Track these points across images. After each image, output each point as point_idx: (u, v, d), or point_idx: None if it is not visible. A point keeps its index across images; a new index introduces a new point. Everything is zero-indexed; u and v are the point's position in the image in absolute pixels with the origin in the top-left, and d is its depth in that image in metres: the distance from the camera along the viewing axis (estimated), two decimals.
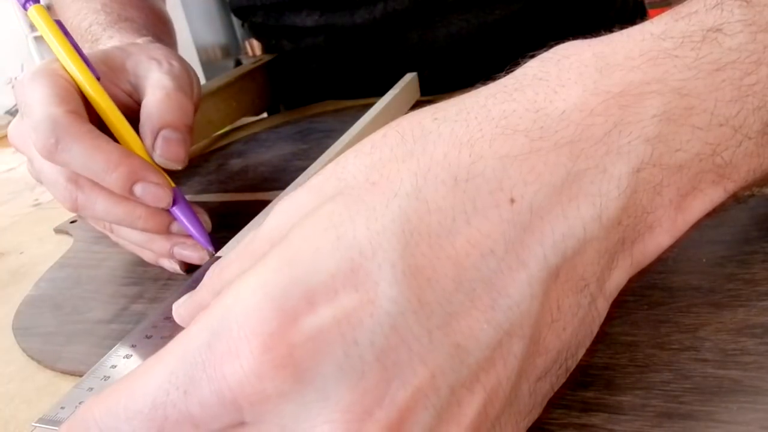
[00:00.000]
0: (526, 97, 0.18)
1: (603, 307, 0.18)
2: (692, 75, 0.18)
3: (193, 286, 0.23)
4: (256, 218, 0.32)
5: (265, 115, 0.66)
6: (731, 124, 0.18)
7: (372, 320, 0.14)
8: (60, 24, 0.33)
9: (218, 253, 0.31)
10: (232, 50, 3.62)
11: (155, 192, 0.30)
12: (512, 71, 0.19)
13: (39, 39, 3.50)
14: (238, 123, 0.60)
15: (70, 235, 0.42)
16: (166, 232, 0.32)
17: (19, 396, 0.27)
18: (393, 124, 0.19)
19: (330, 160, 0.26)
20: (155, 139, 0.32)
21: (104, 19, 0.44)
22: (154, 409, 0.15)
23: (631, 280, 0.18)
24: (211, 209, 0.34)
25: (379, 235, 0.15)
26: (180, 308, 0.23)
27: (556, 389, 0.18)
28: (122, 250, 0.36)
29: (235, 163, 0.49)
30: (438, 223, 0.15)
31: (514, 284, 0.15)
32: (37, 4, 0.33)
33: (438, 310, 0.15)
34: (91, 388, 0.22)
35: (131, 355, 0.24)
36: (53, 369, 0.28)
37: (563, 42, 0.20)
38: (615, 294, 0.18)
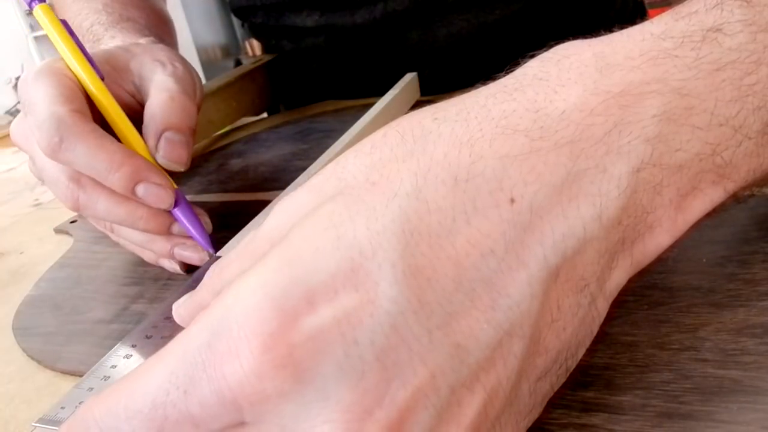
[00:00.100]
0: (526, 97, 0.18)
1: (603, 307, 0.18)
2: (692, 75, 0.18)
3: (193, 286, 0.23)
4: (256, 218, 0.32)
5: (265, 115, 0.66)
6: (731, 124, 0.18)
7: (372, 320, 0.14)
8: (65, 23, 0.33)
9: (218, 253, 0.31)
10: (232, 50, 3.62)
11: (157, 193, 0.30)
12: (512, 71, 0.19)
13: (39, 39, 3.50)
14: (238, 123, 0.60)
15: (70, 235, 0.42)
16: (167, 233, 0.32)
17: (19, 396, 0.27)
18: (393, 124, 0.19)
19: (330, 160, 0.26)
20: (158, 140, 0.32)
21: (106, 19, 0.44)
22: (154, 409, 0.15)
23: (631, 280, 0.18)
24: (211, 209, 0.34)
25: (379, 235, 0.15)
26: (180, 308, 0.23)
27: (556, 389, 0.18)
28: (122, 250, 0.36)
29: (235, 163, 0.49)
30: (438, 223, 0.15)
31: (514, 284, 0.15)
32: (42, 3, 0.33)
33: (438, 310, 0.15)
34: (91, 388, 0.22)
35: (131, 355, 0.24)
36: (53, 369, 0.28)
37: (563, 42, 0.20)
38: (615, 294, 0.18)
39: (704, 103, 0.18)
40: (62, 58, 0.33)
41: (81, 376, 0.24)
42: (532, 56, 0.20)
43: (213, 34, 3.54)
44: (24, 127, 0.33)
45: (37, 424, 0.22)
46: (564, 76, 0.18)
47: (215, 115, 0.56)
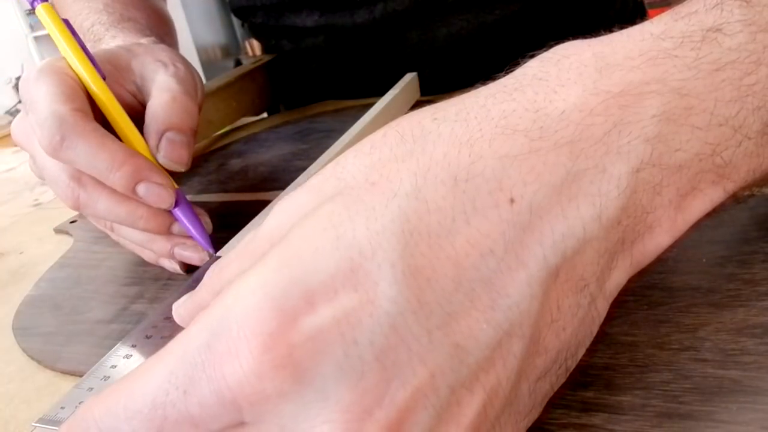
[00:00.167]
0: (526, 97, 0.18)
1: (603, 307, 0.18)
2: (692, 75, 0.18)
3: (193, 286, 0.23)
4: (256, 218, 0.32)
5: (265, 115, 0.66)
6: (731, 124, 0.18)
7: (371, 320, 0.14)
8: (67, 23, 0.33)
9: (218, 253, 0.31)
10: (232, 50, 3.62)
11: (158, 192, 0.30)
12: (512, 71, 0.19)
13: (39, 39, 3.50)
14: (238, 123, 0.60)
15: (70, 235, 0.42)
16: (167, 232, 0.32)
17: (19, 396, 0.27)
18: (393, 124, 0.19)
19: (330, 160, 0.26)
20: (160, 140, 0.32)
21: (107, 19, 0.44)
22: (154, 409, 0.15)
23: (631, 280, 0.18)
24: (211, 209, 0.34)
25: (379, 235, 0.15)
26: (180, 308, 0.23)
27: (556, 389, 0.18)
28: (122, 250, 0.36)
29: (235, 163, 0.49)
30: (437, 223, 0.15)
31: (514, 284, 0.15)
32: (44, 2, 0.33)
33: (437, 310, 0.15)
34: (91, 388, 0.22)
35: (131, 355, 0.24)
36: (53, 369, 0.28)
37: (563, 42, 0.20)
38: (615, 294, 0.18)
39: (704, 103, 0.18)
40: (64, 57, 0.33)
41: (81, 376, 0.24)
42: (532, 56, 0.20)
43: (213, 34, 3.54)
44: (25, 126, 0.33)
45: (37, 424, 0.22)
46: (564, 76, 0.18)
47: (215, 115, 0.56)
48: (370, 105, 0.45)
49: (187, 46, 3.16)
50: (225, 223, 0.34)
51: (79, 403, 0.22)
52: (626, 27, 0.19)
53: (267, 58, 0.64)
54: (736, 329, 0.21)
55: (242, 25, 0.70)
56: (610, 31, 0.19)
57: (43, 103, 0.30)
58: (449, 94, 0.22)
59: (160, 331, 0.25)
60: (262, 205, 0.34)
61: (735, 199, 0.19)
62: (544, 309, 0.16)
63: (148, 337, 0.25)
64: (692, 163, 0.18)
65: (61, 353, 0.29)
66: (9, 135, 0.35)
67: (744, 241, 0.25)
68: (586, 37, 0.19)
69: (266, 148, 0.51)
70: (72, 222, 0.44)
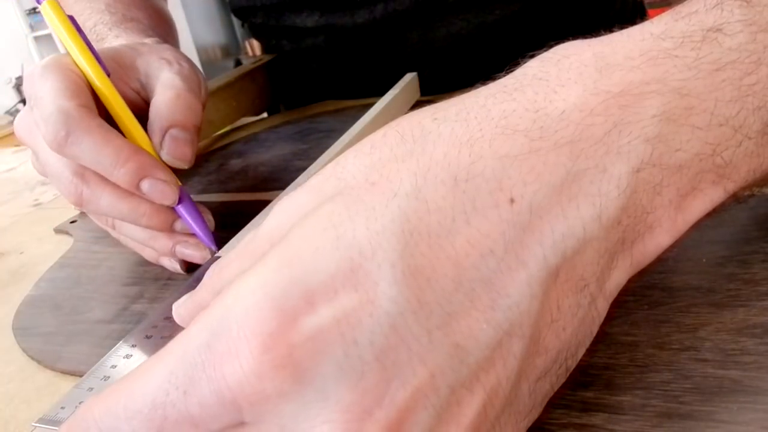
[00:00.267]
0: (526, 97, 0.18)
1: (603, 307, 0.18)
2: (692, 75, 0.18)
3: (193, 285, 0.23)
4: (256, 218, 0.32)
5: (265, 115, 0.66)
6: (731, 124, 0.18)
7: (371, 320, 0.14)
8: (73, 20, 0.33)
9: (218, 253, 0.31)
10: (232, 50, 3.62)
11: (162, 189, 0.30)
12: (512, 71, 0.19)
13: (39, 39, 3.50)
14: (238, 123, 0.60)
15: (70, 235, 0.42)
16: (170, 230, 0.32)
17: (19, 396, 0.27)
18: (393, 124, 0.19)
19: (330, 160, 0.26)
20: (163, 137, 0.32)
21: (109, 19, 0.44)
22: (154, 409, 0.15)
23: (631, 280, 0.18)
24: (211, 209, 0.34)
25: (379, 235, 0.15)
26: (180, 308, 0.23)
27: (556, 389, 0.18)
28: (123, 250, 0.37)
29: (235, 163, 0.49)
30: (437, 223, 0.15)
31: (514, 284, 0.15)
32: None
33: (437, 310, 0.15)
34: (91, 388, 0.22)
35: (131, 355, 0.24)
36: (53, 369, 0.28)
37: (563, 42, 0.20)
38: (615, 294, 0.18)
39: (704, 103, 0.18)
40: (69, 54, 0.33)
41: (81, 376, 0.24)
42: (532, 56, 0.20)
43: (213, 34, 3.54)
44: (29, 121, 0.33)
45: (37, 424, 0.22)
46: (564, 76, 0.18)
47: (215, 115, 0.56)
48: (370, 105, 0.45)
49: (187, 46, 3.16)
50: (225, 223, 0.34)
51: (79, 403, 0.22)
52: (626, 27, 0.19)
53: (267, 58, 0.64)
54: (736, 329, 0.21)
55: (242, 25, 0.70)
56: (610, 31, 0.19)
57: (48, 98, 0.30)
58: (449, 94, 0.22)
59: (160, 331, 0.25)
60: (262, 205, 0.34)
61: (735, 199, 0.19)
62: (544, 309, 0.16)
63: (148, 337, 0.25)
64: (692, 163, 0.18)
65: (61, 353, 0.29)
66: (9, 135, 0.35)
67: (744, 241, 0.25)
68: (586, 37, 0.19)
69: (266, 148, 0.51)
70: (72, 222, 0.44)
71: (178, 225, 0.32)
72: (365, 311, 0.14)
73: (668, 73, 0.18)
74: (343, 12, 0.58)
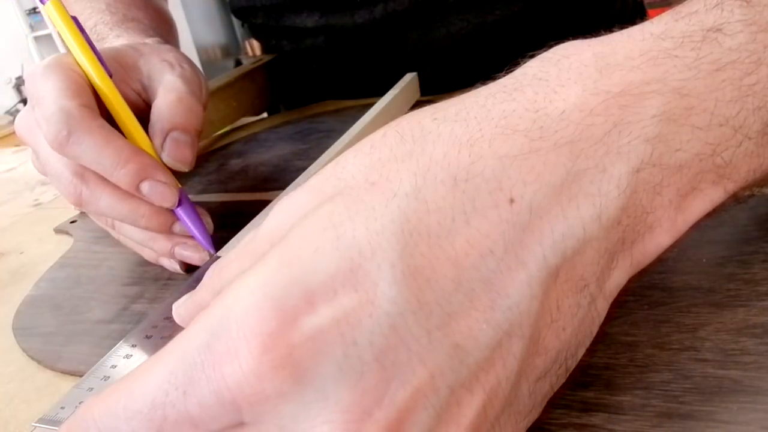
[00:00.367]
0: (526, 97, 0.18)
1: (603, 307, 0.18)
2: (692, 75, 0.18)
3: (193, 286, 0.23)
4: (256, 218, 0.32)
5: (265, 115, 0.66)
6: (731, 124, 0.18)
7: (371, 320, 0.14)
8: (75, 20, 0.33)
9: (218, 253, 0.31)
10: (232, 50, 3.62)
11: (162, 191, 0.30)
12: (512, 71, 0.19)
13: (39, 39, 3.50)
14: (238, 123, 0.60)
15: (70, 235, 0.42)
16: (169, 231, 0.32)
17: (19, 396, 0.27)
18: (393, 124, 0.19)
19: (330, 160, 0.26)
20: (164, 139, 0.32)
21: (110, 19, 0.44)
22: (154, 410, 0.15)
23: (631, 280, 0.18)
24: (211, 209, 0.34)
25: (379, 236, 0.15)
26: (180, 308, 0.23)
27: (555, 389, 0.18)
28: (123, 250, 0.37)
29: (235, 163, 0.49)
30: (437, 224, 0.15)
31: (514, 284, 0.15)
32: None
33: (437, 311, 0.15)
34: (91, 388, 0.22)
35: (131, 355, 0.24)
36: (53, 369, 0.28)
37: (563, 42, 0.20)
38: (615, 294, 0.18)
39: (704, 103, 0.18)
40: (71, 54, 0.33)
41: (81, 376, 0.24)
42: (532, 56, 0.20)
43: (213, 34, 3.54)
44: (29, 120, 0.33)
45: (37, 424, 0.22)
46: (564, 76, 0.18)
47: (215, 115, 0.56)
48: (370, 105, 0.45)
49: (187, 46, 3.16)
50: (225, 223, 0.34)
51: (79, 403, 0.22)
52: (626, 27, 0.19)
53: (267, 58, 0.64)
54: (736, 329, 0.21)
55: (242, 26, 0.70)
56: (610, 31, 0.19)
57: (50, 98, 0.30)
58: (449, 94, 0.22)
59: (160, 331, 0.25)
60: (262, 205, 0.34)
61: (735, 199, 0.19)
62: (544, 309, 0.16)
63: (148, 337, 0.25)
64: (692, 163, 0.18)
65: (61, 353, 0.29)
66: (9, 135, 0.35)
67: (744, 241, 0.25)
68: (586, 37, 0.19)
69: (266, 148, 0.51)
70: (72, 222, 0.44)
71: (177, 227, 0.32)
72: (365, 311, 0.14)
73: (668, 73, 0.18)
74: (343, 12, 0.58)
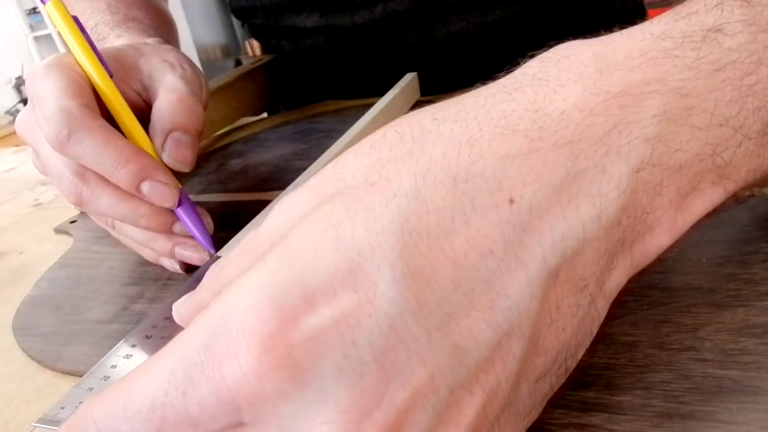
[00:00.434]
0: (526, 97, 0.18)
1: (602, 307, 0.18)
2: (692, 75, 0.18)
3: (193, 286, 0.23)
4: (256, 218, 0.32)
5: (265, 115, 0.66)
6: (731, 124, 0.18)
7: (371, 321, 0.14)
8: (76, 20, 0.33)
9: (218, 253, 0.31)
10: (232, 50, 3.62)
11: (162, 191, 0.30)
12: (512, 71, 0.19)
13: (39, 39, 3.50)
14: (238, 123, 0.60)
15: (70, 235, 0.42)
16: (169, 231, 0.32)
17: (19, 396, 0.27)
18: (392, 124, 0.19)
19: (330, 160, 0.26)
20: (165, 139, 0.32)
21: (110, 19, 0.44)
22: (153, 410, 0.15)
23: (631, 280, 0.18)
24: (211, 209, 0.34)
25: (378, 236, 0.15)
26: (180, 308, 0.23)
27: (555, 389, 0.18)
28: (123, 250, 0.37)
29: (235, 163, 0.49)
30: (437, 224, 0.15)
31: (513, 285, 0.15)
32: None
33: (437, 311, 0.15)
34: (91, 388, 0.22)
35: (131, 355, 0.24)
36: (53, 369, 0.28)
37: (563, 42, 0.20)
38: (615, 294, 0.18)
39: (704, 104, 0.18)
40: (71, 54, 0.33)
41: (81, 376, 0.24)
42: (532, 56, 0.20)
43: (213, 34, 3.54)
44: (30, 120, 0.33)
45: (37, 424, 0.22)
46: (564, 76, 0.18)
47: (215, 115, 0.56)
48: (370, 105, 0.45)
49: (187, 46, 3.16)
50: (225, 223, 0.34)
51: (79, 403, 0.22)
52: (626, 27, 0.19)
53: (267, 58, 0.64)
54: (736, 329, 0.21)
55: (242, 26, 0.70)
56: (610, 31, 0.19)
57: (51, 97, 0.30)
58: (449, 94, 0.22)
59: (160, 331, 0.25)
60: (262, 205, 0.34)
61: (735, 199, 0.19)
62: (544, 309, 0.16)
63: (148, 337, 0.25)
64: (692, 164, 0.18)
65: (61, 353, 0.29)
66: (9, 135, 0.35)
67: (744, 241, 0.25)
68: (586, 37, 0.19)
69: (266, 148, 0.51)
70: (72, 222, 0.44)
71: (177, 227, 0.32)
72: (364, 312, 0.14)
73: (668, 73, 0.18)
74: (343, 12, 0.58)
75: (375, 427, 0.14)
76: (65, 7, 0.33)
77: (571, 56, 0.19)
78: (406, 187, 0.16)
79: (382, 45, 0.59)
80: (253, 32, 0.68)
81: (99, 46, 0.41)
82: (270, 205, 0.33)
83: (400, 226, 0.15)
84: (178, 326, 0.23)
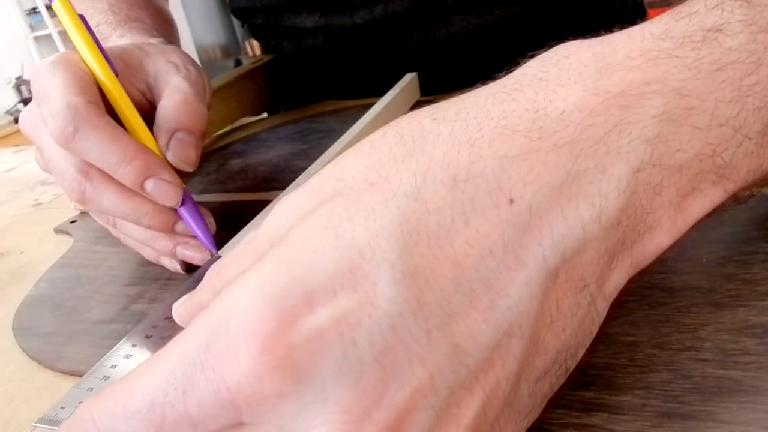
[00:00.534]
0: (526, 97, 0.18)
1: (602, 307, 0.18)
2: (692, 75, 0.18)
3: (193, 286, 0.23)
4: (256, 218, 0.32)
5: (265, 115, 0.66)
6: (731, 124, 0.18)
7: (370, 321, 0.14)
8: (83, 18, 0.33)
9: (218, 253, 0.31)
10: (232, 50, 3.62)
11: (166, 189, 0.31)
12: (512, 71, 0.19)
13: (39, 39, 3.50)
14: (238, 123, 0.60)
15: (70, 235, 0.42)
16: (171, 231, 0.32)
17: (19, 396, 0.27)
18: (392, 124, 0.19)
19: (330, 160, 0.26)
20: (170, 139, 0.32)
21: (113, 19, 0.45)
22: (153, 410, 0.15)
23: (631, 280, 0.18)
24: (211, 209, 0.34)
25: (378, 236, 0.15)
26: (180, 308, 0.23)
27: (555, 389, 0.18)
28: (123, 250, 0.37)
29: (235, 163, 0.49)
30: (437, 224, 0.15)
31: (513, 285, 0.15)
32: None
33: (437, 311, 0.15)
34: (91, 388, 0.22)
35: (131, 355, 0.24)
36: (53, 369, 0.28)
37: (563, 42, 0.20)
38: (615, 294, 0.18)
39: (704, 104, 0.18)
40: (77, 51, 0.33)
41: (81, 376, 0.24)
42: (532, 56, 0.20)
43: (213, 34, 3.55)
44: (34, 117, 0.33)
45: (37, 424, 0.22)
46: (564, 76, 0.18)
47: (215, 115, 0.56)
48: (370, 105, 0.45)
49: (187, 46, 3.16)
50: (225, 223, 0.34)
51: (79, 403, 0.22)
52: (626, 27, 0.19)
53: (267, 58, 0.64)
54: (736, 329, 0.21)
55: (242, 26, 0.70)
56: (610, 31, 0.19)
57: (57, 94, 0.30)
58: (449, 94, 0.22)
59: (160, 331, 0.25)
60: (262, 205, 0.34)
61: (735, 199, 0.19)
62: (544, 309, 0.16)
63: (148, 337, 0.25)
64: (692, 164, 0.18)
65: (61, 353, 0.29)
66: (9, 135, 0.35)
67: (744, 241, 0.25)
68: (586, 37, 0.19)
69: (266, 148, 0.51)
70: (72, 222, 0.44)
71: (179, 226, 0.32)
72: (364, 312, 0.14)
73: (668, 73, 0.18)
74: (343, 13, 0.58)
75: (375, 427, 0.14)
76: (72, 6, 0.33)
77: (571, 56, 0.19)
78: (406, 187, 0.16)
79: (382, 45, 0.59)
80: (253, 32, 0.68)
81: None
82: (270, 205, 0.33)
83: (400, 226, 0.15)
84: (178, 326, 0.23)
